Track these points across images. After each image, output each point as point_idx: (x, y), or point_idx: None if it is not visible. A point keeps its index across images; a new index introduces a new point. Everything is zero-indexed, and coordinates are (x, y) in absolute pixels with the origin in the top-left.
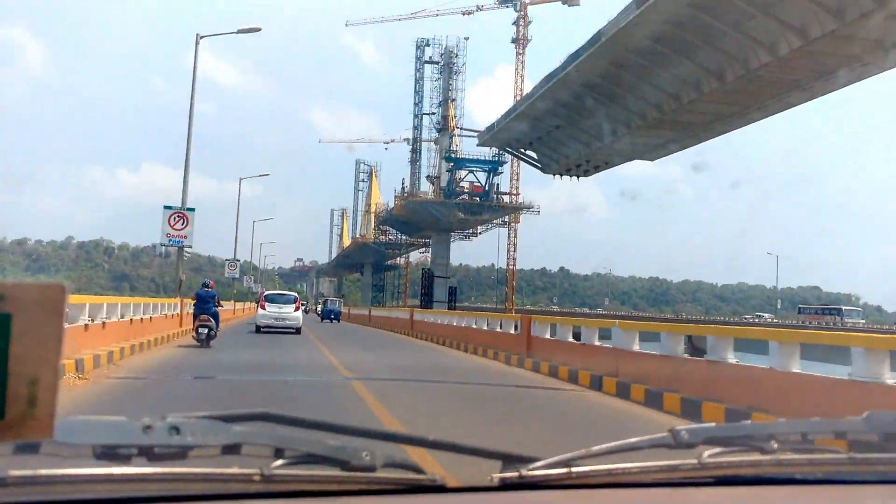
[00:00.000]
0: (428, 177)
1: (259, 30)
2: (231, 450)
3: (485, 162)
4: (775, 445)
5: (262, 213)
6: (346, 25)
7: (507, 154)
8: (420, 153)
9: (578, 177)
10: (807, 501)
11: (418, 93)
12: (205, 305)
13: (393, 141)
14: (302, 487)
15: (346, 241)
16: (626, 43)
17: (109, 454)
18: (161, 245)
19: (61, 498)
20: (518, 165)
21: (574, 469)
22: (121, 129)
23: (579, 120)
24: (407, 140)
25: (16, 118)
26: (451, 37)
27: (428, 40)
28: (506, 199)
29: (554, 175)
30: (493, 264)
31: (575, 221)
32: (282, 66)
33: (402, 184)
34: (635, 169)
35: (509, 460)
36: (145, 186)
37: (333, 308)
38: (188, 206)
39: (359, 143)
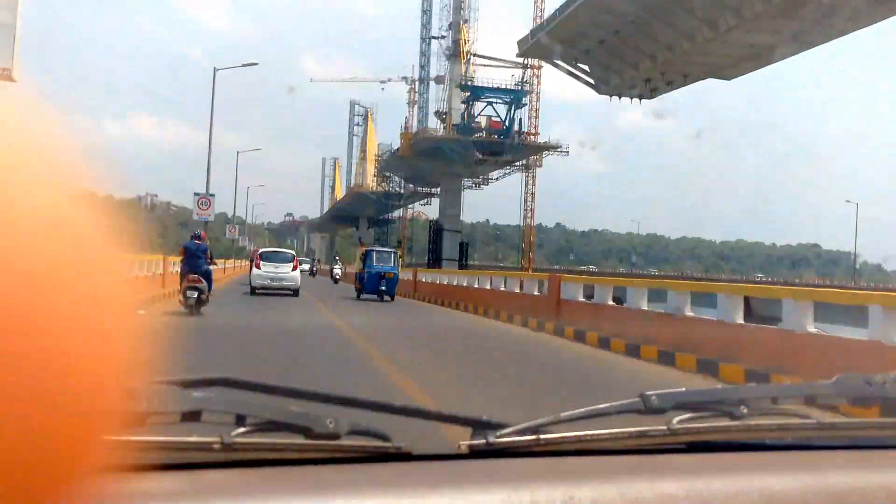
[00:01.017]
0: (437, 112)
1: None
2: (190, 417)
3: (506, 91)
4: (745, 410)
5: (249, 162)
6: None
7: (529, 80)
8: (427, 84)
9: (641, 98)
10: (775, 467)
11: (426, 12)
12: (194, 261)
13: (390, 80)
14: (263, 456)
15: (340, 193)
16: None
17: None
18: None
19: None
20: (538, 100)
21: (543, 436)
22: (106, 75)
23: (650, 23)
24: (405, 79)
25: None
26: None
27: None
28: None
29: (611, 96)
30: (493, 223)
31: (567, 174)
32: (271, 10)
33: (406, 123)
34: (628, 119)
35: (479, 427)
36: (131, 136)
37: (387, 268)
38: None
39: (353, 81)
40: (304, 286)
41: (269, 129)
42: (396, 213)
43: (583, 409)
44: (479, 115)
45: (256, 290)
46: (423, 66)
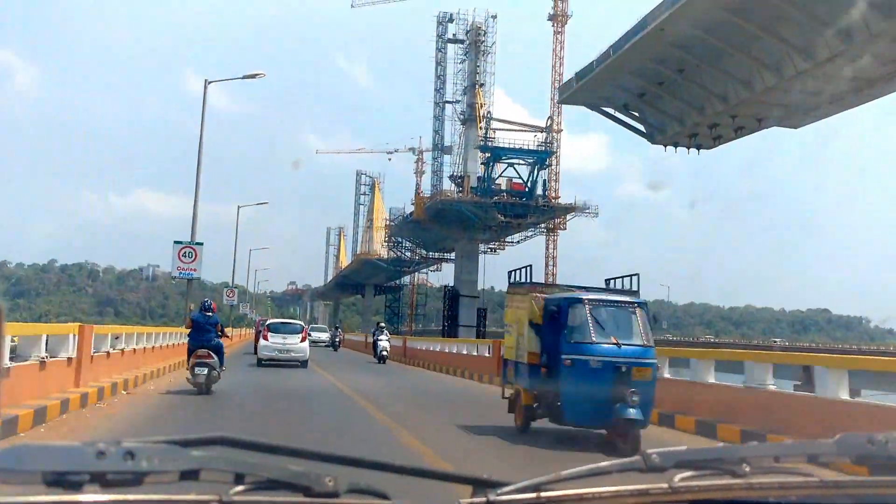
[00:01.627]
0: (451, 177)
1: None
2: (189, 475)
3: (529, 152)
4: (747, 469)
5: (253, 235)
6: (352, 7)
7: (554, 139)
8: (440, 149)
9: (699, 148)
10: None
11: (440, 77)
12: (203, 336)
13: (396, 150)
14: None
15: (343, 262)
16: None
17: (60, 481)
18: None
19: None
20: (557, 164)
21: (543, 493)
22: (112, 154)
23: (711, 66)
24: (412, 150)
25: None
26: (479, 10)
27: (451, 14)
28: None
29: (666, 146)
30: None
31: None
32: (275, 88)
33: (418, 188)
34: (627, 190)
35: (479, 485)
36: (135, 211)
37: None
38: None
39: (359, 153)
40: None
41: (272, 199)
42: (405, 280)
43: (584, 468)
44: (498, 177)
45: (263, 362)
46: (437, 131)
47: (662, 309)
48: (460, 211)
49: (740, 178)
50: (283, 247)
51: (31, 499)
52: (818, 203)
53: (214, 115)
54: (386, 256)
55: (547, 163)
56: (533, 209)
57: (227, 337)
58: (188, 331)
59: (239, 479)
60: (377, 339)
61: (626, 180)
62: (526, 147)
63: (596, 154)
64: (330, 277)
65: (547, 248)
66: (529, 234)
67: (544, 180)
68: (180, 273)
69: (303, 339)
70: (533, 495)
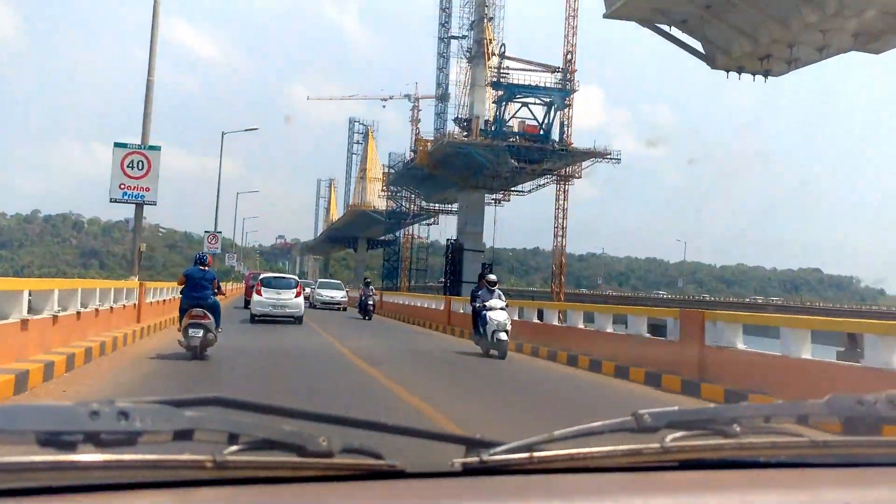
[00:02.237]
0: (456, 119)
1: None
2: (183, 436)
3: (546, 90)
4: (738, 429)
5: (242, 188)
6: None
7: (573, 83)
8: (445, 86)
9: (768, 75)
10: (768, 485)
11: (445, 10)
12: (199, 293)
13: (391, 97)
14: (256, 474)
15: (335, 215)
16: None
17: (53, 441)
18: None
19: (2, 487)
20: (571, 107)
21: (536, 454)
22: (98, 104)
23: None
24: (408, 97)
25: None
26: None
27: None
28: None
29: (729, 70)
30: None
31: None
32: (263, 40)
33: (417, 134)
34: (619, 146)
35: (472, 445)
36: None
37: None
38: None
39: (351, 100)
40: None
41: (261, 153)
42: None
43: (576, 428)
44: (510, 118)
45: (257, 318)
46: (442, 69)
47: (654, 266)
48: (469, 155)
49: (733, 137)
50: (271, 199)
51: (26, 458)
52: (811, 163)
53: (205, 66)
54: (382, 208)
55: (566, 102)
56: (549, 154)
57: (224, 294)
58: (181, 287)
59: (233, 439)
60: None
61: (618, 137)
62: (542, 85)
63: (587, 112)
64: (320, 231)
65: (557, 200)
66: (542, 182)
67: (561, 122)
68: (124, 194)
69: (297, 295)
70: (526, 455)
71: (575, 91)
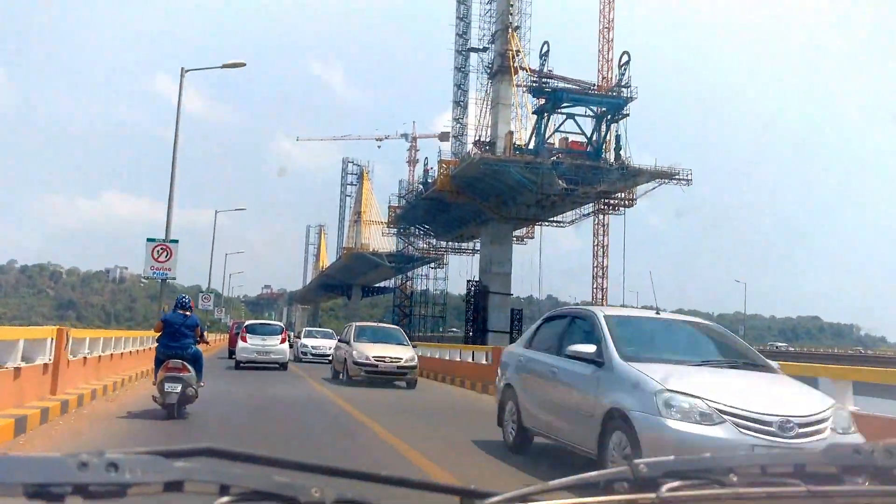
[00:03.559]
0: (477, 142)
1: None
2: (173, 487)
3: (598, 99)
4: (735, 479)
5: (228, 238)
6: None
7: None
8: (463, 102)
9: None
10: None
11: (462, 19)
12: (178, 342)
13: (387, 137)
14: None
15: (325, 262)
16: None
17: (41, 493)
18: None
19: None
20: (628, 113)
21: None
22: (80, 155)
23: None
24: (405, 136)
25: None
26: None
27: None
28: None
29: None
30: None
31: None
32: (248, 92)
33: (426, 167)
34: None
35: (467, 496)
36: (102, 213)
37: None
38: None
39: (346, 140)
40: None
41: (248, 203)
42: (387, 284)
43: (572, 478)
44: (550, 135)
45: (241, 364)
46: (459, 86)
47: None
48: (505, 176)
49: (725, 187)
50: (258, 250)
51: None
52: (805, 212)
53: (186, 119)
54: (382, 250)
55: (623, 112)
56: (605, 173)
57: (208, 343)
58: (157, 334)
59: (224, 490)
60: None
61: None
62: (594, 92)
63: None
64: (310, 279)
65: (596, 235)
66: (587, 211)
67: (617, 136)
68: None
69: (282, 341)
70: None
71: (633, 99)
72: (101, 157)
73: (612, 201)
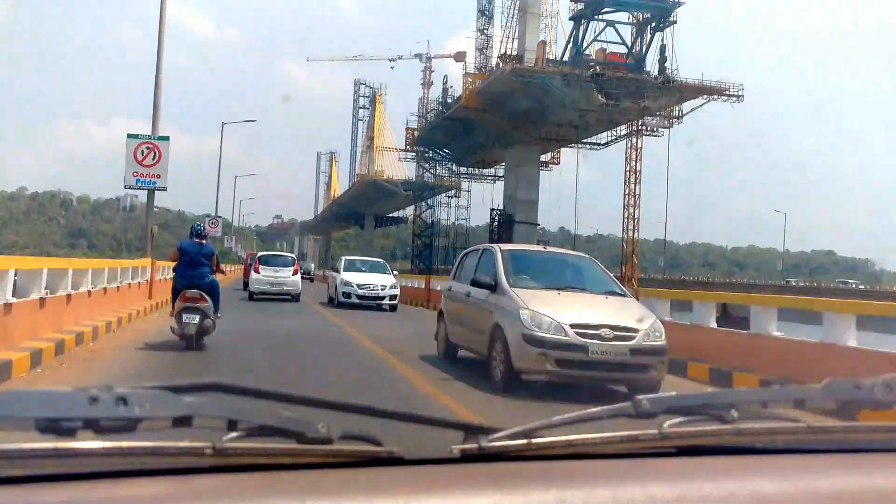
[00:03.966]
0: (503, 56)
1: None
2: (182, 422)
3: (645, 2)
4: (736, 414)
5: (236, 166)
6: None
7: None
8: (489, 12)
9: None
10: (766, 470)
11: None
12: (195, 271)
13: (400, 57)
14: (255, 461)
15: (336, 190)
16: None
17: (52, 427)
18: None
19: (2, 475)
20: (675, 20)
21: (534, 440)
22: (89, 81)
23: None
24: (419, 56)
25: None
26: None
27: None
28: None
29: None
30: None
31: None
32: (258, 12)
33: (444, 85)
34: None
35: (471, 431)
36: (112, 137)
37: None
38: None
39: (357, 60)
40: None
41: (258, 131)
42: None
43: (574, 414)
44: (587, 46)
45: (255, 296)
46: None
47: (665, 248)
48: (540, 90)
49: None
50: (269, 179)
51: (25, 445)
52: (819, 144)
53: (192, 42)
54: (397, 178)
55: (671, 18)
56: (652, 87)
57: (224, 272)
58: (173, 264)
59: (232, 425)
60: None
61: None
62: None
63: None
64: (321, 208)
65: (627, 162)
66: (622, 132)
67: (662, 45)
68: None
69: (294, 273)
70: (524, 441)
71: (681, 4)
72: (112, 84)
73: (670, 112)
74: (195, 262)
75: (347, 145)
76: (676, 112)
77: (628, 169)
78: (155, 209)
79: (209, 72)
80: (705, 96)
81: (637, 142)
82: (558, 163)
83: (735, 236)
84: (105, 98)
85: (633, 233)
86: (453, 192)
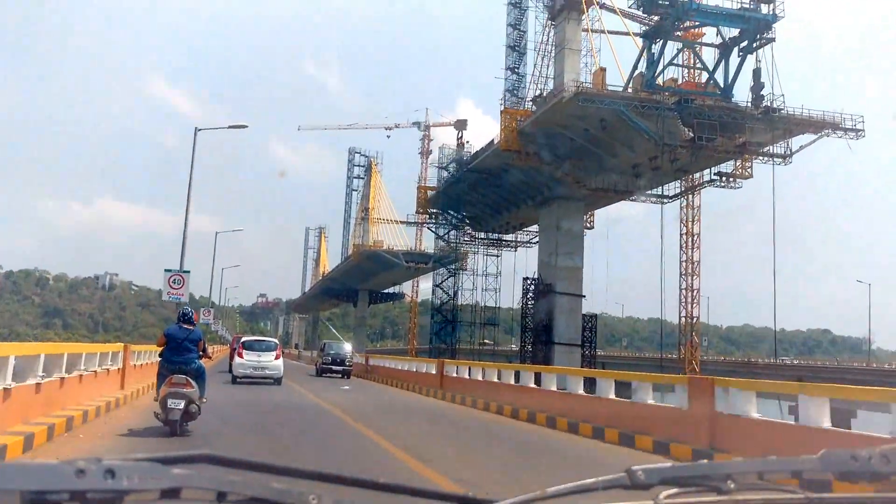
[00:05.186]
0: (536, 98)
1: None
2: (170, 494)
3: (740, 14)
4: (732, 485)
5: (220, 245)
6: None
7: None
8: (520, 47)
9: None
10: None
11: None
12: (182, 356)
13: (397, 126)
14: None
15: (325, 266)
16: None
17: (39, 500)
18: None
19: None
20: (773, 37)
21: None
22: (72, 160)
23: None
24: (417, 124)
25: None
26: None
27: None
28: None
29: None
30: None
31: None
32: (243, 94)
33: (458, 139)
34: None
35: (465, 503)
36: (95, 219)
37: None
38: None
39: (352, 129)
40: None
41: (242, 210)
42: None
43: (570, 485)
44: (661, 72)
45: (238, 380)
46: (515, 26)
47: (658, 327)
48: (616, 120)
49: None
50: (254, 258)
51: None
52: (811, 222)
53: (180, 123)
54: (396, 248)
55: (767, 35)
56: (748, 119)
57: (210, 357)
58: (160, 349)
59: (221, 497)
60: None
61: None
62: (722, 7)
63: None
64: (309, 286)
65: (681, 221)
66: (697, 182)
67: (756, 69)
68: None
69: (277, 357)
70: None
71: (779, 18)
72: (93, 162)
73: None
74: (182, 348)
75: (339, 220)
76: (783, 149)
77: (685, 232)
78: (134, 288)
79: (196, 154)
80: (816, 130)
81: (693, 198)
82: (592, 227)
83: (732, 316)
84: (85, 177)
85: (691, 306)
86: (459, 263)
